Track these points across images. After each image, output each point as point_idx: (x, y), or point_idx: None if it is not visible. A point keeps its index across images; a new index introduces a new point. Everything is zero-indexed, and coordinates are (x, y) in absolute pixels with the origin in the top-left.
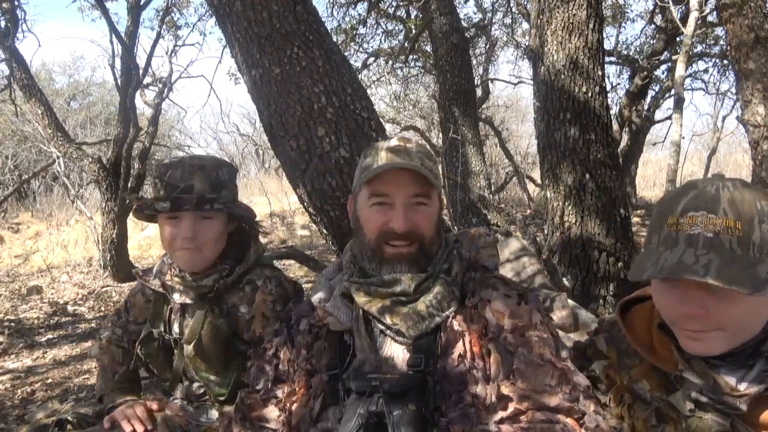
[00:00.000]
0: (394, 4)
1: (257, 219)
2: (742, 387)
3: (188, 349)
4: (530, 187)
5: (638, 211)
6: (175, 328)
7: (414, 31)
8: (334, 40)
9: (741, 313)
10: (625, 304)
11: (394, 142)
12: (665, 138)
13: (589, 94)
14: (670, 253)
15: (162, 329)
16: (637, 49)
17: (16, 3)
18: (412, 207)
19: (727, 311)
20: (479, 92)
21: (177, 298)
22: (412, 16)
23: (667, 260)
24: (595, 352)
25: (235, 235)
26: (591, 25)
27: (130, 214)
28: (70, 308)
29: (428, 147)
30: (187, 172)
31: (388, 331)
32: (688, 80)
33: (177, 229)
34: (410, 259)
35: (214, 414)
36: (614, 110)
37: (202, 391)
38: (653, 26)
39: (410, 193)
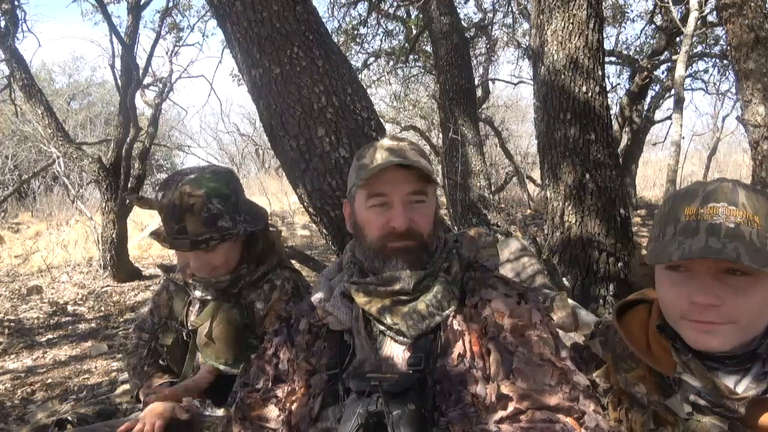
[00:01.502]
0: (395, 4)
1: (267, 217)
2: (740, 390)
3: (201, 336)
4: (530, 187)
5: (638, 211)
6: (192, 318)
7: (414, 31)
8: (335, 40)
9: (753, 306)
10: (622, 307)
11: (387, 142)
12: (665, 138)
13: (589, 94)
14: (693, 240)
15: (179, 323)
16: (637, 49)
17: (16, 3)
18: (410, 205)
19: (741, 303)
20: (479, 92)
21: (198, 294)
22: (412, 16)
23: (693, 245)
24: (590, 356)
25: (253, 239)
26: (591, 25)
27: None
28: (70, 308)
29: (420, 145)
30: (178, 213)
31: (388, 331)
32: (688, 80)
33: (186, 257)
34: (411, 251)
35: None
36: (614, 110)
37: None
38: (653, 26)
39: (407, 191)
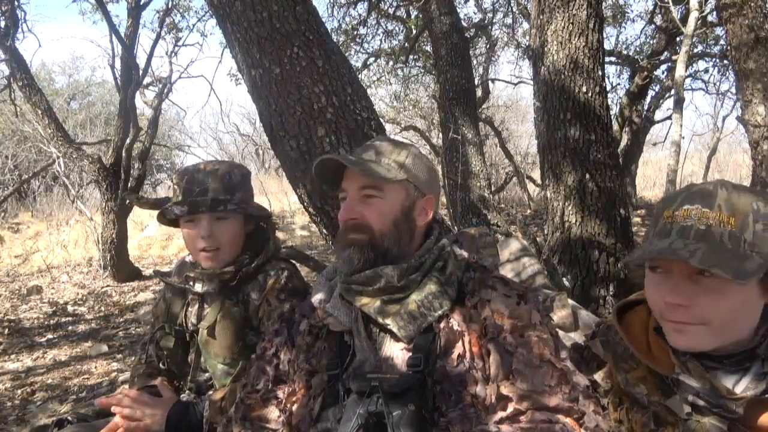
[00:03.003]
0: (394, 4)
1: (271, 215)
2: (739, 390)
3: (202, 333)
4: (530, 187)
5: (638, 211)
6: (192, 319)
7: (414, 31)
8: (335, 40)
9: (725, 309)
10: (623, 307)
11: (371, 140)
12: (665, 138)
13: (589, 95)
14: (661, 242)
15: (178, 325)
16: (637, 49)
17: (16, 3)
18: (361, 199)
19: (711, 305)
20: (479, 92)
21: (199, 288)
22: (412, 16)
23: (656, 246)
24: (592, 356)
25: (254, 233)
26: (591, 26)
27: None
28: (70, 308)
29: (401, 141)
30: (201, 176)
31: (383, 331)
32: (688, 80)
33: (195, 230)
34: (356, 245)
35: None
36: (614, 110)
37: (211, 382)
38: (653, 26)
39: (358, 186)
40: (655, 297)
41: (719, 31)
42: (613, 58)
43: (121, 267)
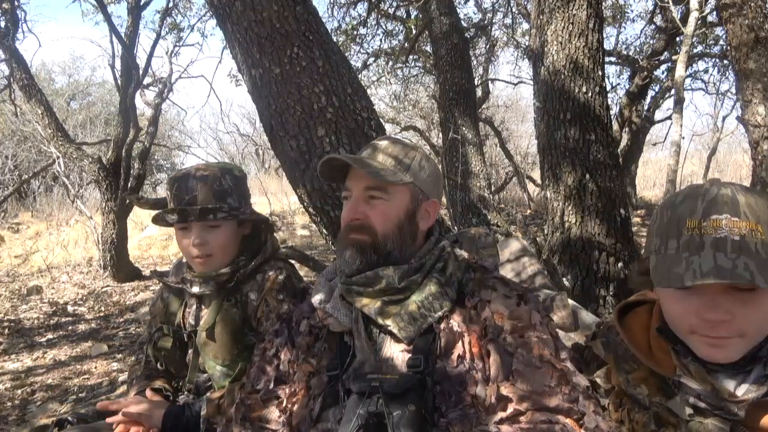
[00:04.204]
0: (394, 4)
1: (268, 218)
2: (740, 392)
3: (201, 335)
4: (530, 187)
5: (638, 211)
6: (190, 320)
7: (414, 32)
8: (335, 40)
9: (762, 318)
10: (623, 308)
11: (375, 141)
12: (665, 138)
13: (589, 95)
14: (699, 257)
15: (176, 325)
16: (637, 49)
17: (16, 3)
18: (366, 200)
19: (750, 316)
20: (479, 92)
21: (196, 290)
22: (412, 16)
23: (702, 265)
24: (592, 356)
25: (251, 235)
26: (591, 26)
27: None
28: (70, 308)
29: (408, 143)
30: (191, 183)
31: (383, 332)
32: (688, 80)
33: (188, 238)
34: (358, 245)
35: None
36: (614, 110)
37: (209, 383)
38: (653, 26)
39: (363, 186)
40: (685, 312)
41: (719, 31)
42: (613, 58)
43: (121, 267)
